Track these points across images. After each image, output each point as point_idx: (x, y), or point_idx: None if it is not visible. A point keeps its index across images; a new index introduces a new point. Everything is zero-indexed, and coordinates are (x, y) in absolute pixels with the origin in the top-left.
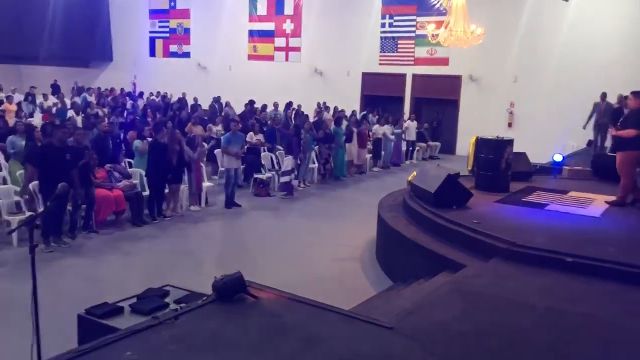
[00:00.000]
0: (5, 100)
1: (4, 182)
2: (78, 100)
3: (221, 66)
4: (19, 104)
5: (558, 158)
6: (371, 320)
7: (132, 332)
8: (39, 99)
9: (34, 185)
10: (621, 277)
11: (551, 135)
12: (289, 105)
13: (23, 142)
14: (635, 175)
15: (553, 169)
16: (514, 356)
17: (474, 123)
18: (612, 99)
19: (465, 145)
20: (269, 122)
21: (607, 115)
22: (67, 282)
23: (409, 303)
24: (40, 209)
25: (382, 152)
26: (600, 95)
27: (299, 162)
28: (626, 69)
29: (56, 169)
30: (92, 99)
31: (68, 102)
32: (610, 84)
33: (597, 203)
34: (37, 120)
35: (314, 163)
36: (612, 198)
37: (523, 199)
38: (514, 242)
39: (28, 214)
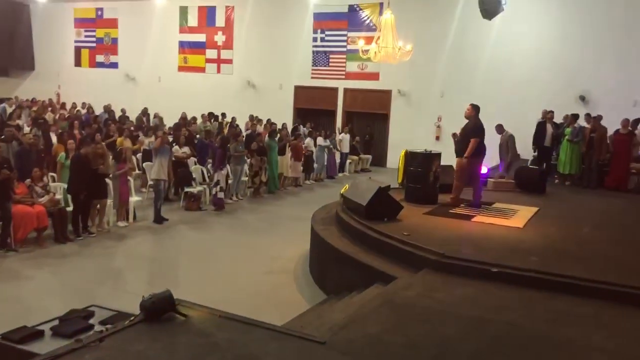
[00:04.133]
0: None
1: None
2: None
3: (150, 77)
4: None
5: (483, 170)
6: (304, 335)
7: (53, 357)
8: None
9: None
10: (542, 285)
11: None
12: (223, 116)
13: None
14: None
15: None
16: None
17: (404, 136)
18: (533, 114)
19: (395, 158)
20: (201, 134)
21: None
22: None
23: (341, 317)
24: None
25: (315, 165)
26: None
27: (224, 175)
28: (544, 85)
29: None
30: (11, 110)
31: None
32: (528, 100)
33: (520, 214)
34: None
35: (246, 176)
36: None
37: (450, 211)
38: (443, 253)
39: None
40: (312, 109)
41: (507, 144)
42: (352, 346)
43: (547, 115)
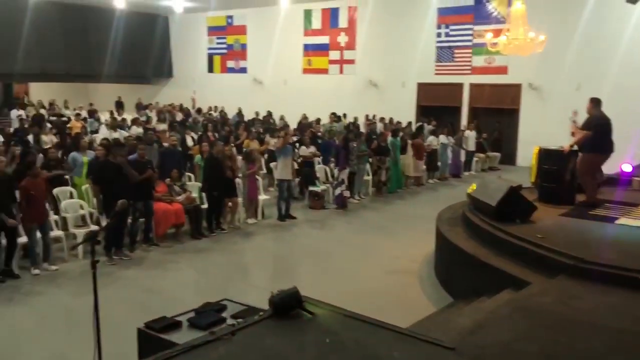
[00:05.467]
0: (73, 117)
1: (71, 197)
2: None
3: (276, 80)
4: (84, 120)
5: (627, 168)
6: (431, 339)
7: (190, 347)
8: (104, 116)
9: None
10: None
11: (619, 144)
12: (344, 116)
13: (85, 159)
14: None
15: (622, 179)
16: None
17: (535, 133)
18: None
19: (526, 155)
20: (326, 135)
21: None
22: (128, 294)
23: (470, 322)
24: (104, 223)
25: (439, 164)
26: None
27: (347, 174)
28: None
29: (116, 184)
30: (152, 114)
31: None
32: None
33: None
34: (101, 136)
35: (368, 175)
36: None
37: (590, 212)
38: (582, 258)
39: (93, 227)
40: (436, 106)
41: None
42: (483, 353)
43: None
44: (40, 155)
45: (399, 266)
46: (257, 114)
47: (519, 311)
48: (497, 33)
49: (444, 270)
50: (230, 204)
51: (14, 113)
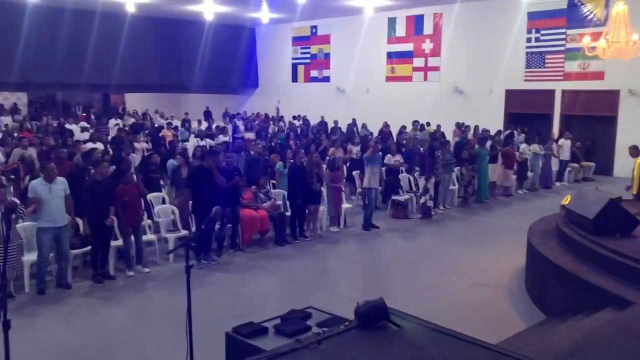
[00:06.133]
0: (165, 126)
1: (163, 202)
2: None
3: (359, 89)
4: (175, 129)
5: None
6: (525, 359)
7: (277, 354)
8: (194, 125)
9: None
10: None
11: None
12: (428, 124)
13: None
14: None
15: None
16: None
17: (635, 141)
18: None
19: (624, 165)
20: (410, 143)
21: None
22: (216, 298)
23: (568, 342)
24: (193, 228)
25: (530, 173)
26: None
27: (433, 183)
28: None
29: (207, 190)
30: (240, 123)
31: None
32: None
33: None
34: (191, 144)
35: (454, 185)
36: None
37: None
38: None
39: (183, 232)
40: (525, 113)
41: None
42: None
43: None
44: (137, 160)
45: (487, 280)
46: (335, 122)
47: (623, 333)
48: (594, 36)
49: (536, 286)
50: (313, 211)
51: (112, 122)
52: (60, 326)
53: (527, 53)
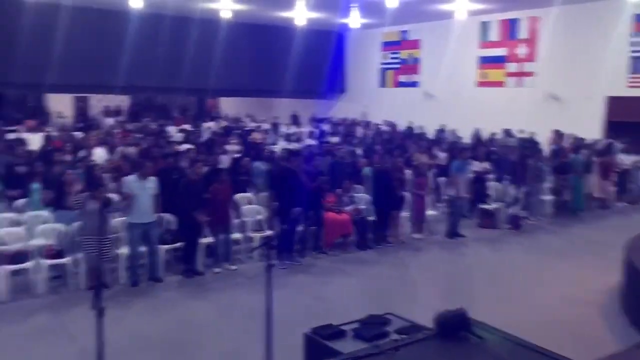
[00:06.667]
0: (255, 129)
1: (249, 202)
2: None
3: (448, 94)
4: (265, 132)
5: None
6: None
7: (354, 358)
8: (282, 128)
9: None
10: None
11: None
12: (520, 132)
13: (265, 168)
14: None
15: None
16: None
17: None
18: None
19: None
20: (500, 150)
21: None
22: (297, 299)
23: None
24: (277, 229)
25: (632, 186)
26: None
27: (523, 192)
28: None
29: (291, 192)
30: (326, 128)
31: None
32: None
33: None
34: (279, 148)
35: (546, 195)
36: None
37: None
38: None
39: (267, 232)
40: (630, 122)
41: None
42: None
43: None
44: (227, 162)
45: (577, 296)
46: (421, 127)
47: None
48: None
49: (634, 306)
50: (395, 217)
51: (205, 125)
52: (149, 316)
53: (631, 58)
